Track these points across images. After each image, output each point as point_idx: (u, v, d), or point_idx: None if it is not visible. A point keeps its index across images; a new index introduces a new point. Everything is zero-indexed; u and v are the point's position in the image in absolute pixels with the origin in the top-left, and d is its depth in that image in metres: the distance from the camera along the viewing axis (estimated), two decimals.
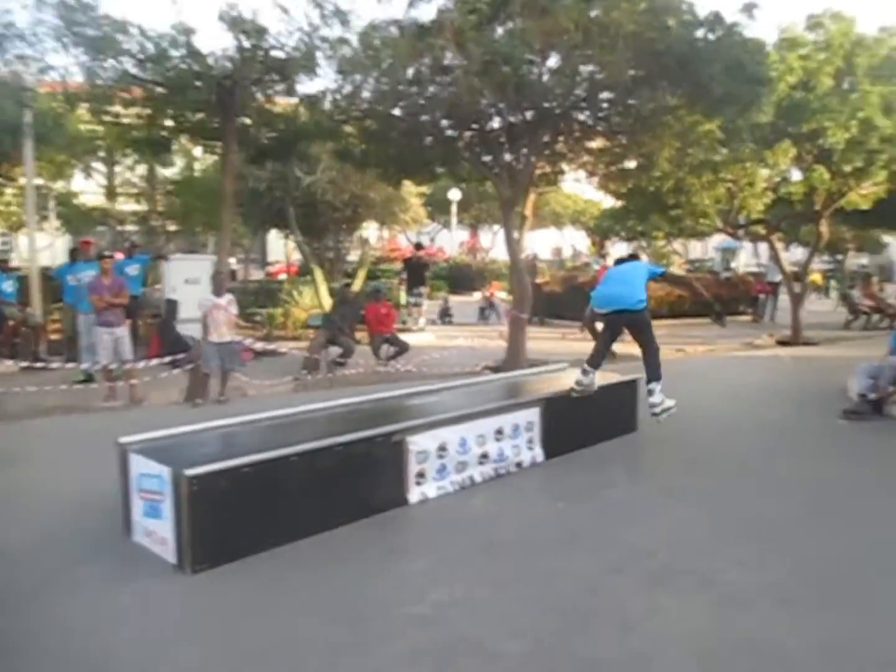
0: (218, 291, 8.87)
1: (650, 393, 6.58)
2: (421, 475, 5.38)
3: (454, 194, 27.87)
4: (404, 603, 3.77)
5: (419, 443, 5.35)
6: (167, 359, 9.70)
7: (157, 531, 4.36)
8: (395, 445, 5.20)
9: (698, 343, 14.50)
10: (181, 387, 9.37)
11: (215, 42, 17.09)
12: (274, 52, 8.46)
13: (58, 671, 3.26)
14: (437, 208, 30.81)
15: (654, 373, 6.63)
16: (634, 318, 6.74)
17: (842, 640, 3.47)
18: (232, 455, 4.42)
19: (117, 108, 9.76)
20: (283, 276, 23.61)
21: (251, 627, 3.58)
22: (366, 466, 5.00)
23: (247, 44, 8.14)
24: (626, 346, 13.78)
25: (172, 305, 11.98)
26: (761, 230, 15.61)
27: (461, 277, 26.69)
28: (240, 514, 4.29)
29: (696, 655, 3.33)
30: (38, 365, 9.62)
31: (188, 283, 12.14)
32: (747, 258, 31.78)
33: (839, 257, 30.36)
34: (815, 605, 3.81)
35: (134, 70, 8.38)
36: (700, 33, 8.74)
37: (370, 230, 34.71)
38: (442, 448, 5.52)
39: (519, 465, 6.16)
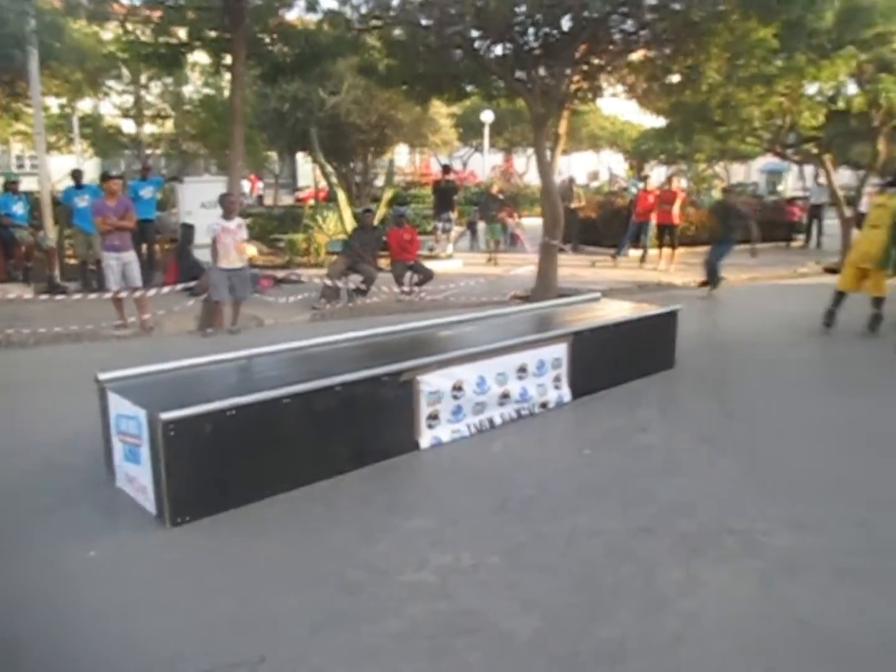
0: (227, 215, 8.33)
1: None
2: (433, 417, 4.89)
3: (487, 116, 26.62)
4: (403, 569, 3.32)
5: (431, 382, 4.85)
6: (180, 286, 9.26)
7: (138, 478, 3.95)
8: (404, 385, 4.70)
9: (741, 270, 13.69)
10: (196, 315, 8.98)
11: None
12: None
13: None
14: (469, 131, 29.58)
15: None
16: None
17: None
18: (218, 395, 3.94)
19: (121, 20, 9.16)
20: (312, 202, 22.99)
21: (228, 593, 3.16)
22: (371, 408, 4.51)
23: None
24: (666, 274, 13.19)
25: (188, 230, 11.50)
26: (813, 149, 14.51)
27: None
28: (225, 461, 3.85)
29: (740, 640, 2.84)
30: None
31: (205, 206, 11.59)
32: (794, 182, 30.28)
33: (888, 179, 28.73)
34: (879, 577, 3.28)
35: None
36: None
37: (401, 154, 33.81)
38: (457, 388, 5.01)
39: (544, 405, 5.65)
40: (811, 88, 12.05)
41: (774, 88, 10.95)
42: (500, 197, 16.64)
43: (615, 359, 6.20)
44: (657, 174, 28.84)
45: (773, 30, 9.31)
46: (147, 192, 11.50)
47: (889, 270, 8.10)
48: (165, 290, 9.09)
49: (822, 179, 17.68)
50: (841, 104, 12.14)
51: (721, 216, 11.39)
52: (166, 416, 3.63)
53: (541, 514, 3.87)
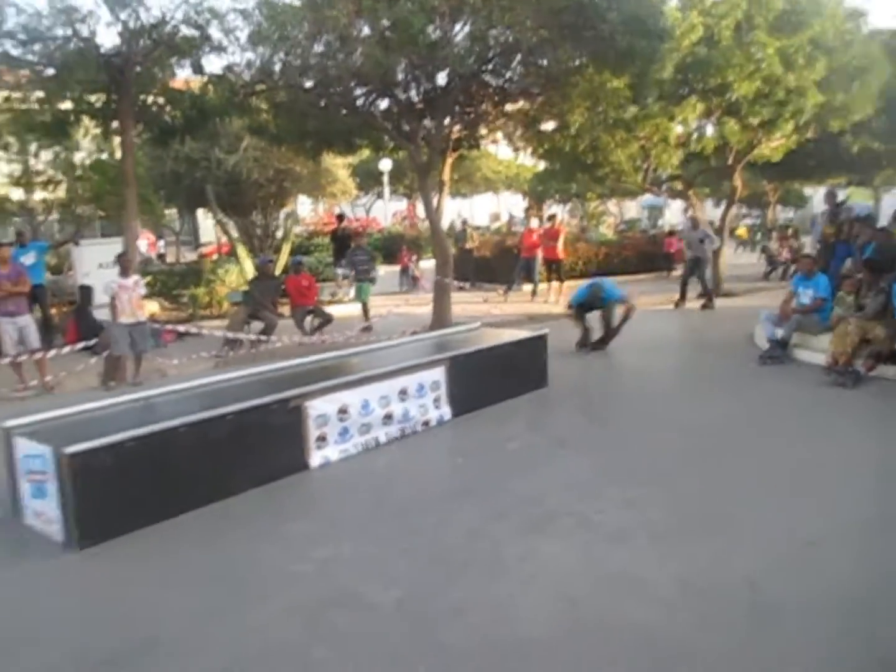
0: (124, 273, 8.70)
1: None
2: (322, 439, 5.42)
3: (384, 164, 27.59)
4: (287, 562, 3.83)
5: (318, 407, 5.39)
6: (80, 345, 9.49)
7: (45, 511, 4.32)
8: (293, 411, 5.23)
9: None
10: (98, 372, 9.22)
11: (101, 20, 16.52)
12: (162, 27, 8.23)
13: None
14: (369, 179, 30.49)
15: None
16: None
17: (699, 570, 3.64)
18: (118, 430, 4.38)
19: (6, 92, 9.49)
20: (215, 257, 23.24)
21: (132, 598, 3.60)
22: (263, 434, 5.01)
23: (123, 16, 7.89)
24: (555, 306, 14.08)
25: (87, 291, 11.68)
26: (678, 186, 15.87)
27: (395, 248, 26.63)
28: (127, 488, 4.28)
29: (560, 593, 3.47)
30: None
31: (102, 267, 11.84)
32: (675, 215, 32.30)
33: (763, 211, 31.08)
34: (684, 539, 3.98)
35: (15, 51, 8.10)
36: None
37: (303, 204, 34.37)
38: (343, 411, 5.56)
39: (426, 423, 6.24)
40: (671, 130, 13.31)
41: (633, 133, 12.10)
42: (369, 249, 14.86)
43: (491, 380, 6.86)
44: (555, 212, 30.29)
45: (625, 80, 10.41)
46: (28, 258, 11.47)
47: None
48: (66, 350, 9.32)
49: (691, 212, 19.15)
50: (695, 146, 13.42)
51: None
52: (70, 449, 4.05)
53: (413, 511, 4.45)
